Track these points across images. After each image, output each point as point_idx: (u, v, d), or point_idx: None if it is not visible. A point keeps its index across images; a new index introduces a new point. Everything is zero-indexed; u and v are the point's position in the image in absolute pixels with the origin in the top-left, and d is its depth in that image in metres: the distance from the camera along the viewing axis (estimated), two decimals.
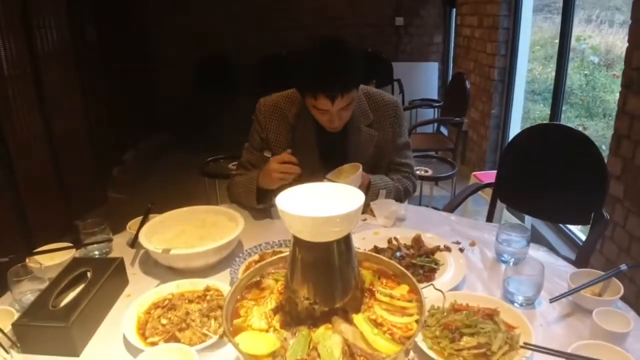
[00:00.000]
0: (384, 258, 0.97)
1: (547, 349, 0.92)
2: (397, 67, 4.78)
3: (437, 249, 1.34)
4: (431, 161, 3.15)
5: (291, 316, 0.82)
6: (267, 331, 0.82)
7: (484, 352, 0.94)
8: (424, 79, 4.85)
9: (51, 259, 1.32)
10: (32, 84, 2.84)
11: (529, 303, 1.13)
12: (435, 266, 1.26)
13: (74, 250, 1.35)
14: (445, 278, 1.21)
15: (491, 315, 1.05)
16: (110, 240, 1.44)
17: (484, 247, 1.39)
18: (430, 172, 3.03)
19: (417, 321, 0.81)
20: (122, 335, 1.06)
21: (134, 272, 1.35)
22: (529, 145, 1.99)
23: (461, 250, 1.37)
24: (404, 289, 0.90)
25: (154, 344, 1.02)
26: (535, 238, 2.95)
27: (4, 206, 2.39)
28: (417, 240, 1.37)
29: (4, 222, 1.66)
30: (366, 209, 1.61)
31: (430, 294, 1.09)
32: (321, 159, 1.65)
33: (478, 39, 3.87)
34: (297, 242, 0.79)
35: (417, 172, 3.03)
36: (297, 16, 4.82)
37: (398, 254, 1.31)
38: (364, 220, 1.58)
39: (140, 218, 1.49)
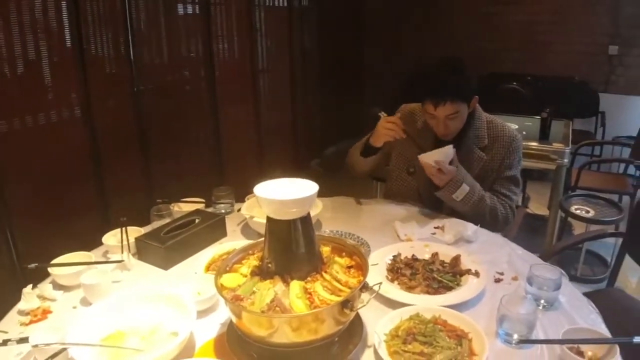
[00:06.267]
0: (361, 252, 1.14)
1: None
2: (605, 99, 4.22)
3: (467, 271, 1.37)
4: (599, 202, 2.82)
5: (259, 270, 1.09)
6: (245, 276, 1.11)
7: None
8: (636, 115, 4.13)
9: (190, 207, 1.86)
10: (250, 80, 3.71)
11: (511, 341, 1.10)
12: (451, 284, 1.31)
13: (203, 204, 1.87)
14: (448, 296, 1.27)
15: (460, 337, 1.09)
16: (229, 203, 1.90)
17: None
18: (591, 214, 2.72)
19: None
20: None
21: (235, 229, 1.79)
22: None
23: (497, 280, 1.37)
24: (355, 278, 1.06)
25: None
26: None
27: (212, 173, 3.30)
28: (455, 259, 1.42)
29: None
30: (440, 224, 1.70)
31: (423, 303, 1.21)
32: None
33: None
34: (268, 217, 1.06)
35: (577, 211, 2.77)
36: (505, 37, 4.68)
37: (429, 267, 1.40)
38: (433, 234, 1.66)
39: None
